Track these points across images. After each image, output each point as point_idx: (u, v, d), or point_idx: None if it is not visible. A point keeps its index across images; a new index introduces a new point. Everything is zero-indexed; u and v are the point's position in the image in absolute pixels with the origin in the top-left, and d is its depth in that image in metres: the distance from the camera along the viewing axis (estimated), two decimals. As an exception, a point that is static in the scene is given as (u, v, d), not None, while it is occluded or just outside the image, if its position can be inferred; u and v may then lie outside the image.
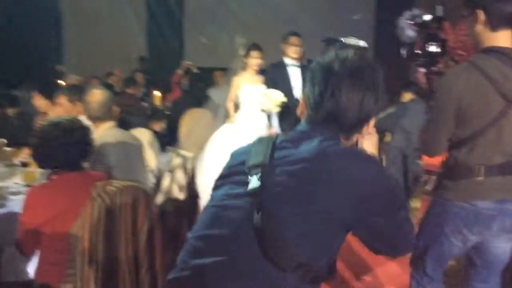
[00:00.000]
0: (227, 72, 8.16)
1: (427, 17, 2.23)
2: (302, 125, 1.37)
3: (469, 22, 1.99)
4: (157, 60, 9.63)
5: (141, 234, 2.14)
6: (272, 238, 1.16)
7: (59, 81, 5.55)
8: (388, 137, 5.43)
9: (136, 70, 7.86)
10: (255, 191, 1.21)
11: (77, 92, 3.34)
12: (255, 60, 4.47)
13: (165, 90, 7.21)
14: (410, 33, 2.29)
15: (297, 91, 4.56)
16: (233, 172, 1.33)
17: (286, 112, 4.43)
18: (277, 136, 1.37)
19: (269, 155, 1.26)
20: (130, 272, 2.12)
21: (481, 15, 1.96)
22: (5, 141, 3.53)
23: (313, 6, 9.63)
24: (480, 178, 1.98)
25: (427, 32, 2.17)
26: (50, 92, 4.18)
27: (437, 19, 2.23)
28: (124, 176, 2.58)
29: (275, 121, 4.60)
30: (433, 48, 2.22)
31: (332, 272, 1.28)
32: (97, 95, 2.87)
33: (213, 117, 5.49)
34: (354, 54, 1.34)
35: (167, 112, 6.09)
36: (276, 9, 9.53)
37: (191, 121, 5.27)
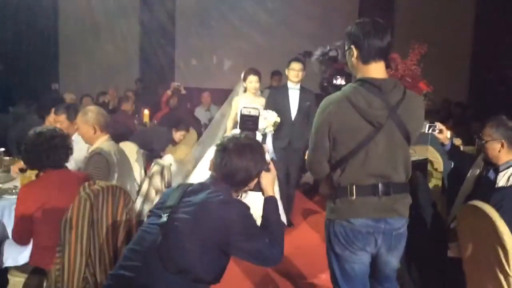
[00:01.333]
0: (214, 92, 8.66)
1: (334, 53, 2.43)
2: (207, 179, 2.06)
3: (347, 56, 2.20)
4: (148, 81, 10.11)
5: (120, 227, 2.57)
6: (165, 253, 1.85)
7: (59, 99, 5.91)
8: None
9: (131, 90, 8.28)
10: (162, 224, 1.89)
11: (74, 112, 3.78)
12: (252, 84, 4.80)
13: (155, 109, 7.66)
14: (321, 67, 2.54)
15: (294, 112, 4.87)
16: (157, 208, 2.00)
17: (280, 132, 4.75)
18: (190, 184, 2.04)
19: (178, 200, 1.93)
20: (110, 258, 2.54)
21: (355, 50, 2.15)
22: (1, 149, 3.94)
23: (299, 26, 10.03)
24: (352, 197, 2.12)
25: (335, 67, 2.40)
26: (46, 109, 4.62)
27: (344, 56, 2.37)
28: (119, 179, 3.08)
29: (269, 140, 4.88)
30: (339, 81, 2.51)
31: (218, 279, 1.96)
32: (98, 110, 3.37)
33: (198, 134, 5.94)
34: (244, 137, 2.08)
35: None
36: (264, 33, 9.98)
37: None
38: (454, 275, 2.77)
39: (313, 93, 4.98)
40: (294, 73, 4.78)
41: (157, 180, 3.19)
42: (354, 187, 2.11)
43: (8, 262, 2.73)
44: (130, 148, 4.03)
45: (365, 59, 2.12)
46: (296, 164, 5.01)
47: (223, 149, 2.01)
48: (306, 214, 5.57)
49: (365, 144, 2.07)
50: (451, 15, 9.46)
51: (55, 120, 4.10)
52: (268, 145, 4.86)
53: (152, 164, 3.32)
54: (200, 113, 7.83)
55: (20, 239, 2.61)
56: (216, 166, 2.02)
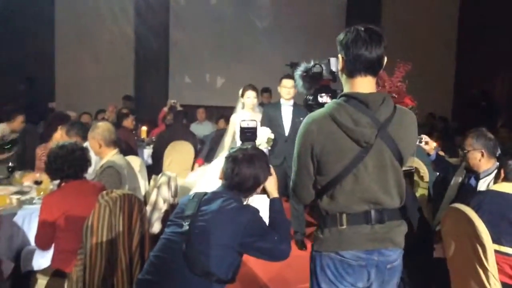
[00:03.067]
0: (207, 109, 8.91)
1: (318, 69, 2.30)
2: (219, 188, 2.25)
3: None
4: (143, 99, 10.36)
5: (136, 232, 2.80)
6: (191, 259, 2.05)
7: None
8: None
9: (121, 108, 8.49)
10: (185, 232, 2.09)
11: (82, 129, 4.03)
12: (250, 100, 4.85)
13: (151, 126, 7.90)
14: (304, 84, 2.43)
15: (287, 128, 4.95)
16: (177, 217, 2.19)
17: (275, 149, 4.79)
18: (205, 194, 2.23)
19: (196, 209, 2.14)
20: (126, 261, 2.76)
21: (342, 61, 1.94)
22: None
23: (292, 39, 10.21)
24: (343, 227, 1.89)
25: (320, 84, 2.31)
26: (53, 127, 4.85)
27: (331, 72, 2.31)
28: (129, 187, 3.34)
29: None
30: (324, 99, 2.29)
31: (235, 278, 2.16)
32: (107, 126, 3.60)
33: (194, 147, 6.17)
34: (251, 147, 2.27)
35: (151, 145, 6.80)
36: (256, 50, 10.31)
37: (173, 152, 5.95)
38: (439, 274, 3.01)
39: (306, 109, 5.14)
40: (286, 90, 4.88)
41: (164, 190, 3.42)
42: (344, 215, 1.88)
43: (30, 266, 2.94)
44: (135, 162, 4.26)
45: (350, 72, 1.90)
46: None
47: (233, 160, 2.20)
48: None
49: (353, 166, 1.85)
50: (437, 32, 9.87)
51: (62, 137, 4.34)
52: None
53: (159, 175, 3.55)
54: (195, 128, 8.08)
55: (43, 244, 2.83)
56: (227, 175, 2.21)
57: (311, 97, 2.33)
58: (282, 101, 4.98)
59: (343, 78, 1.97)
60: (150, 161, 6.59)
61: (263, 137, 4.56)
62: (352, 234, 1.89)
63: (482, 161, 3.34)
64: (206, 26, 10.64)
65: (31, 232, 3.12)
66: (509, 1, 9.11)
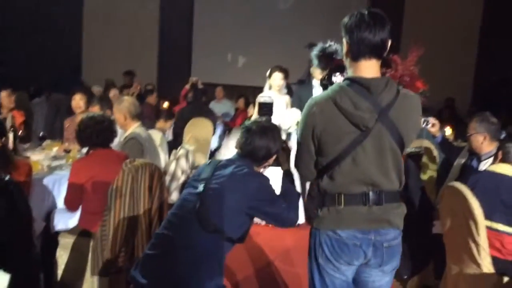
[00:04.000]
0: (227, 88, 9.10)
1: (334, 49, 2.27)
2: (234, 156, 2.40)
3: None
4: (166, 76, 10.63)
5: (155, 197, 3.05)
6: (203, 216, 2.20)
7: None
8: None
9: (150, 84, 8.72)
10: (199, 193, 2.25)
11: (107, 103, 4.30)
12: (276, 81, 4.81)
13: (173, 103, 8.15)
14: (320, 63, 2.38)
15: None
16: (194, 180, 2.37)
17: None
18: (220, 161, 2.40)
19: (211, 173, 2.30)
20: (145, 222, 3.03)
21: (345, 44, 1.97)
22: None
23: (313, 20, 10.26)
24: (340, 206, 1.95)
25: (334, 63, 2.33)
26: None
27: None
28: (150, 158, 3.58)
29: (294, 139, 4.61)
30: (337, 78, 2.33)
31: (243, 239, 2.33)
32: (132, 100, 3.87)
33: (213, 126, 6.40)
34: (265, 120, 2.44)
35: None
36: (277, 31, 10.44)
37: (193, 128, 6.20)
38: (437, 249, 3.17)
39: None
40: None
41: (183, 162, 3.69)
42: (342, 195, 1.95)
43: (59, 226, 3.24)
44: (156, 136, 4.52)
45: (354, 55, 1.94)
46: None
47: (247, 130, 2.37)
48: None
49: (351, 149, 1.91)
50: (459, 17, 9.84)
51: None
52: (293, 144, 4.65)
53: (178, 148, 3.81)
54: (214, 106, 8.30)
55: (71, 205, 3.11)
56: (241, 144, 2.37)
57: (325, 77, 2.39)
58: (314, 82, 4.85)
59: (347, 62, 2.00)
60: (170, 136, 6.86)
61: (293, 120, 4.54)
62: (349, 214, 1.95)
63: (484, 144, 3.50)
64: (229, 6, 10.82)
65: (60, 196, 3.41)
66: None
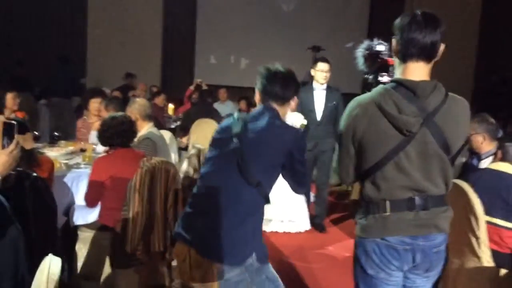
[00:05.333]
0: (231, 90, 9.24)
1: (381, 47, 2.25)
2: (259, 107, 2.33)
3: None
4: (170, 77, 10.79)
5: (170, 193, 3.21)
6: (244, 170, 2.16)
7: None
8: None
9: (155, 86, 8.85)
10: (236, 148, 2.17)
11: (118, 105, 4.45)
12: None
13: (178, 103, 8.31)
14: (366, 63, 2.33)
15: (319, 113, 4.83)
16: (223, 138, 2.27)
17: (307, 133, 4.65)
18: (247, 114, 2.34)
19: (244, 127, 2.20)
20: (162, 218, 3.18)
21: (395, 45, 1.93)
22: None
23: (316, 23, 10.46)
24: (386, 213, 1.91)
25: (381, 63, 2.26)
26: (87, 100, 5.30)
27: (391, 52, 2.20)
28: (163, 157, 3.70)
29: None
30: (384, 78, 2.23)
31: (269, 199, 2.26)
32: (144, 101, 4.03)
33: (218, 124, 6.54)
34: (283, 68, 2.33)
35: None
36: (281, 34, 10.60)
37: (199, 128, 6.35)
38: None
39: (339, 92, 4.84)
40: (323, 74, 4.69)
41: (194, 160, 3.83)
42: (387, 202, 1.90)
43: (78, 221, 3.40)
44: (166, 135, 4.67)
45: (403, 56, 1.89)
46: (325, 165, 4.89)
47: (271, 75, 2.32)
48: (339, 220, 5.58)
49: (394, 154, 1.85)
50: (460, 17, 9.99)
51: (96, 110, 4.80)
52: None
53: (190, 147, 3.96)
54: (218, 108, 8.45)
55: (92, 201, 3.26)
56: (264, 90, 2.32)
57: (371, 76, 2.31)
58: (315, 84, 4.82)
59: (396, 62, 1.97)
60: (176, 137, 7.03)
61: (295, 124, 4.55)
62: (396, 220, 1.89)
63: (484, 144, 3.65)
64: (233, 8, 10.98)
65: (78, 192, 3.56)
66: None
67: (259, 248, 2.29)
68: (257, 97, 2.38)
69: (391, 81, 1.94)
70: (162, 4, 11.01)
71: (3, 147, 1.57)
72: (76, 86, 8.84)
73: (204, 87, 7.97)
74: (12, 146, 1.57)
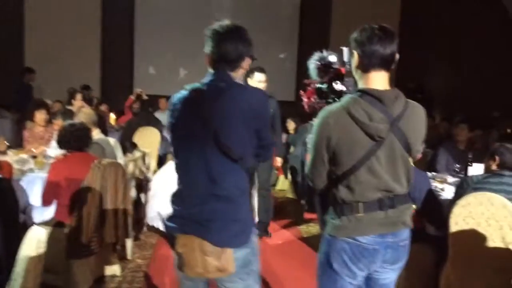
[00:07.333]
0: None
1: (333, 58, 2.34)
2: (210, 73, 2.13)
3: (352, 63, 2.10)
4: (109, 88, 11.05)
5: (119, 191, 3.64)
6: (223, 145, 2.00)
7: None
8: (292, 149, 7.21)
9: (95, 97, 9.10)
10: (207, 124, 2.00)
11: (69, 115, 4.80)
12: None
13: (119, 113, 8.62)
14: (319, 73, 2.41)
15: None
16: (180, 120, 2.10)
17: None
18: (196, 86, 2.12)
19: (201, 103, 2.03)
20: (112, 213, 3.60)
21: (356, 57, 2.04)
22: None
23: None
24: (360, 214, 2.02)
25: (334, 72, 2.35)
26: (31, 112, 5.61)
27: (342, 61, 2.35)
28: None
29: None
30: (338, 86, 2.33)
31: (253, 171, 2.37)
32: (90, 110, 4.48)
33: (160, 134, 6.97)
34: (230, 23, 2.14)
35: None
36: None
37: (142, 137, 6.73)
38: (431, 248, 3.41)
39: (275, 99, 4.71)
40: (261, 85, 4.51)
41: (140, 163, 4.28)
42: (360, 204, 2.02)
43: (36, 219, 3.74)
44: (111, 141, 5.06)
45: (365, 67, 2.03)
46: (265, 171, 4.81)
47: (215, 33, 2.12)
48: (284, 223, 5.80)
49: (366, 159, 1.98)
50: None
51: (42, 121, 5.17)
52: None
53: (134, 151, 4.40)
54: (159, 116, 8.81)
55: (48, 199, 3.57)
56: (212, 52, 2.12)
57: (324, 86, 2.41)
58: None
59: (357, 74, 2.09)
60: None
61: None
62: (368, 221, 2.02)
63: None
64: (169, 20, 11.47)
65: (33, 194, 3.90)
66: (444, 2, 10.32)
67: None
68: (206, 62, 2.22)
69: (358, 91, 2.05)
70: (100, 15, 11.29)
71: None
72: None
73: (144, 97, 8.32)
74: None
